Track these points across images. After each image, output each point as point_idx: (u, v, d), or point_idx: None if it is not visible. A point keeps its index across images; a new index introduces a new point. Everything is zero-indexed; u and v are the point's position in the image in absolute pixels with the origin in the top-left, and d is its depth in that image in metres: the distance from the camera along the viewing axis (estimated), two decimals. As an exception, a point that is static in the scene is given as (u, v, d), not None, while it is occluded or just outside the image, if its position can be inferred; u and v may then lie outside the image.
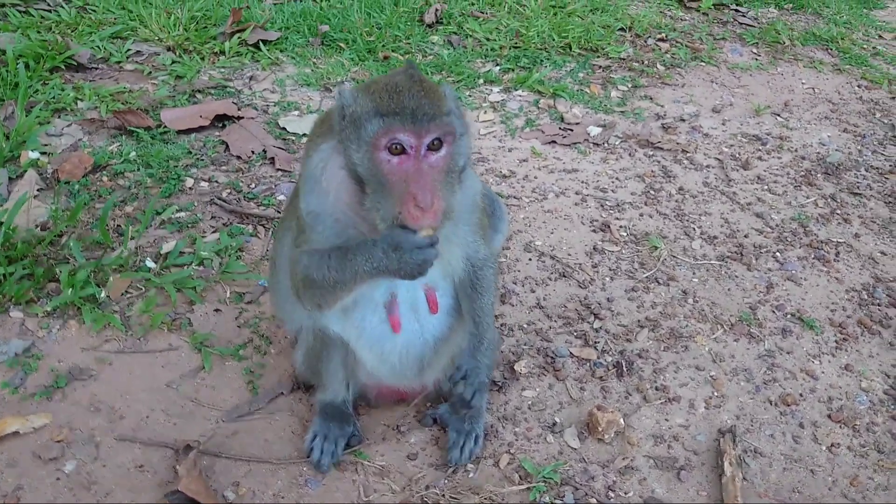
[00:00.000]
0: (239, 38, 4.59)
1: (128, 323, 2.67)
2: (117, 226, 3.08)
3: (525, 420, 2.49)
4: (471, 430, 2.35)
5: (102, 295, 2.72)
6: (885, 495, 2.35)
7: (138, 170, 3.42)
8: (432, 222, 1.82)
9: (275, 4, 5.12)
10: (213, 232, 3.12)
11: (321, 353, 2.24)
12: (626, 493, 2.29)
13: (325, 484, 2.24)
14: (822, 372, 2.77)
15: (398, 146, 1.79)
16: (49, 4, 4.77)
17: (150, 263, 2.90)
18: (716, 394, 2.64)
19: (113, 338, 2.61)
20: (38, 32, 4.39)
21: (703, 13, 5.86)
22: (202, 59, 4.44)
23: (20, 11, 4.60)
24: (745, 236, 3.43)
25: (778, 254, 3.33)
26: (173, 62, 4.36)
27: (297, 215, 2.05)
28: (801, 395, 2.66)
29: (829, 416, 2.59)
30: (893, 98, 4.81)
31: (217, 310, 2.78)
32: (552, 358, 2.71)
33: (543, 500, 2.24)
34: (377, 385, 2.39)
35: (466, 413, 2.24)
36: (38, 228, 3.00)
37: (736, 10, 5.94)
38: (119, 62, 4.31)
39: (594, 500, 2.25)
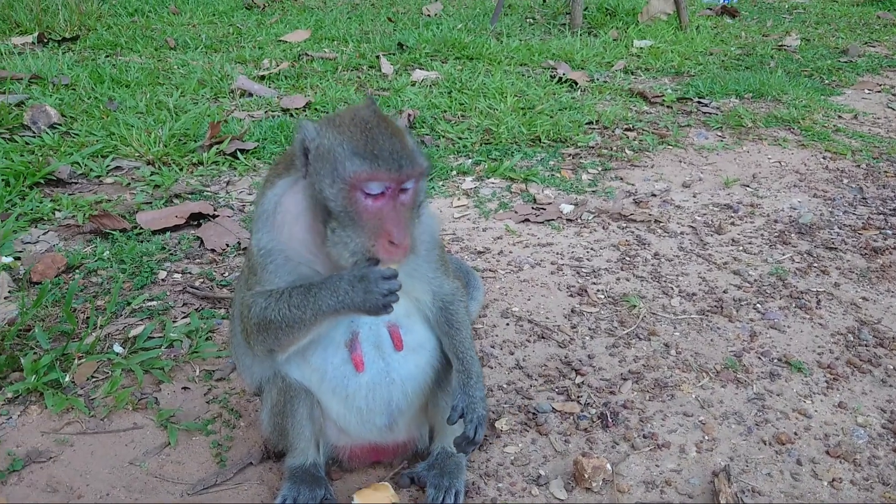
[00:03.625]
0: (217, 149, 4.73)
1: (91, 405, 2.57)
2: (86, 318, 3.04)
3: (508, 475, 2.36)
4: (450, 486, 2.22)
5: (66, 379, 2.65)
6: (897, 527, 2.20)
7: (112, 266, 3.42)
8: (403, 257, 1.86)
9: (252, 120, 5.31)
10: (185, 317, 3.08)
11: (285, 407, 2.15)
12: (619, 542, 2.13)
13: (294, 551, 2.08)
14: (815, 411, 2.66)
15: (378, 188, 1.81)
16: (34, 132, 4.92)
17: (118, 349, 2.84)
18: (706, 438, 2.52)
19: (75, 420, 2.50)
20: (22, 155, 4.51)
21: (668, 106, 6.09)
22: (181, 169, 4.55)
23: (5, 139, 4.74)
24: (724, 292, 3.39)
25: (759, 305, 3.28)
26: (152, 174, 4.46)
27: (249, 256, 2.03)
28: (795, 433, 2.54)
29: (828, 452, 2.46)
30: (858, 166, 4.92)
31: (185, 388, 2.69)
32: (534, 414, 2.61)
33: (530, 553, 2.08)
34: (349, 445, 2.28)
35: (471, 449, 2.12)
36: (7, 325, 2.96)
37: (699, 102, 6.18)
38: (99, 176, 4.40)
39: (585, 550, 2.10)
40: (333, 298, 1.87)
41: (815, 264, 3.64)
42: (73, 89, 5.67)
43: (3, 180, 4.03)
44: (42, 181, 4.20)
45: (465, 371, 2.13)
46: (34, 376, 2.62)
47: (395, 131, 1.87)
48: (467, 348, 2.16)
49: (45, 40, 7.14)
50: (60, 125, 4.97)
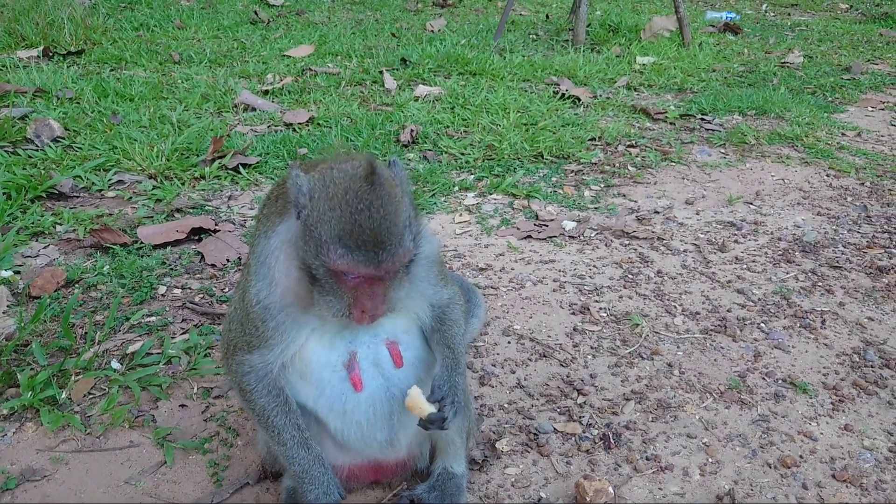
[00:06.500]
0: (220, 163, 4.72)
1: (88, 422, 2.55)
2: (85, 333, 3.02)
3: (508, 497, 2.32)
4: (449, 509, 2.19)
5: (63, 396, 2.62)
6: (904, 553, 2.16)
7: (111, 281, 3.40)
8: (374, 321, 1.88)
9: (255, 135, 5.31)
10: (184, 333, 3.05)
11: (283, 427, 2.11)
12: (621, 567, 2.10)
13: (291, 574, 2.05)
14: (821, 433, 2.62)
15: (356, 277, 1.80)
16: (37, 145, 4.92)
17: (115, 365, 2.82)
18: (710, 460, 2.48)
19: (71, 438, 2.48)
20: (24, 168, 4.50)
21: (671, 123, 6.08)
22: (183, 184, 4.54)
23: (8, 152, 4.73)
24: (728, 311, 3.36)
25: (763, 325, 3.25)
26: (154, 188, 4.44)
27: (245, 302, 1.97)
28: (800, 456, 2.50)
29: (834, 476, 2.42)
30: (862, 184, 4.90)
31: (183, 405, 2.66)
32: (535, 434, 2.57)
33: (531, 578, 2.04)
34: (348, 464, 2.24)
35: (434, 428, 2.02)
36: (4, 340, 2.94)
37: (702, 119, 6.17)
38: (101, 190, 4.39)
39: (586, 576, 2.06)
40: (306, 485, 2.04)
41: (820, 283, 3.61)
42: (77, 103, 5.68)
43: (4, 193, 4.02)
44: (44, 195, 4.19)
45: (454, 358, 2.08)
46: (30, 393, 2.60)
47: (388, 212, 1.73)
48: (457, 341, 2.11)
49: (51, 54, 7.16)
50: (64, 139, 4.97)
